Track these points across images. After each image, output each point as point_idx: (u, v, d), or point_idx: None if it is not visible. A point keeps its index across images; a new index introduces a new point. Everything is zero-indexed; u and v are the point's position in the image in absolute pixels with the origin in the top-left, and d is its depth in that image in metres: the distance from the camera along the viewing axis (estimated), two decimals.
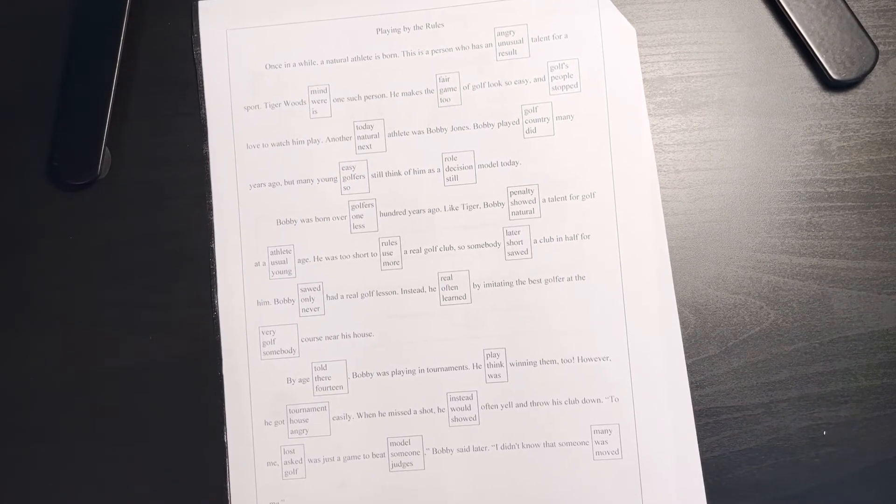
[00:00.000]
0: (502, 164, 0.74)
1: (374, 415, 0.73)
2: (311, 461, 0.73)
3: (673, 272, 0.72)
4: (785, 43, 0.74)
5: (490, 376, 0.73)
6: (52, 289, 0.76)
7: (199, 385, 0.74)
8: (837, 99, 0.73)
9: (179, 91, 0.77)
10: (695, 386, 0.71)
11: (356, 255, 0.74)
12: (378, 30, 0.75)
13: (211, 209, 0.75)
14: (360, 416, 0.73)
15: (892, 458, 0.71)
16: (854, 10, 0.72)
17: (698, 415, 0.71)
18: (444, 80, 0.75)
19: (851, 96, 0.73)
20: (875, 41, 0.72)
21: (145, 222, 0.76)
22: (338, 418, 0.73)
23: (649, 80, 0.74)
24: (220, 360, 0.74)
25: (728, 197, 0.73)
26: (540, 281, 0.73)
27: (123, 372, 0.75)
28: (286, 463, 0.73)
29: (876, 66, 0.72)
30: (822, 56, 0.72)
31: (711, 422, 0.71)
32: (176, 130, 0.77)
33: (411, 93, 0.75)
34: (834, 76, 0.72)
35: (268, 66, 0.76)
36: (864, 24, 0.72)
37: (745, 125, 0.74)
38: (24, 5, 0.79)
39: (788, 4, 0.72)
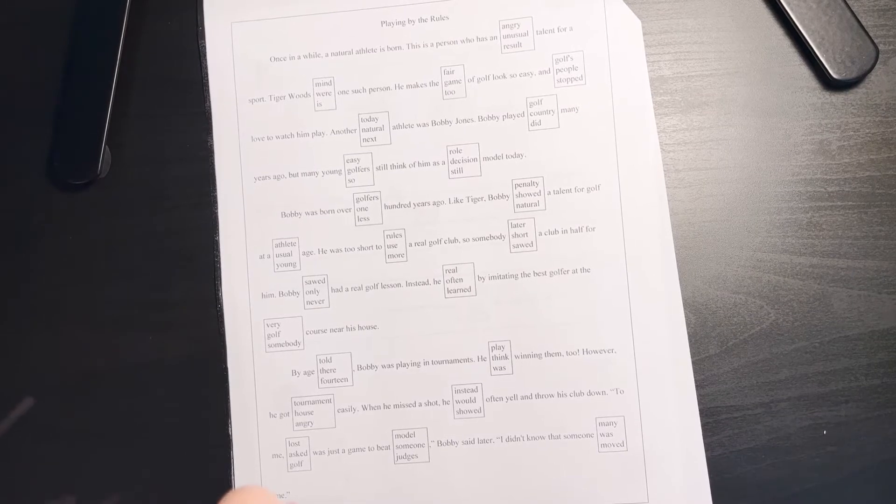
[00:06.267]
0: (507, 157, 0.74)
1: (378, 407, 0.73)
2: (315, 453, 0.73)
3: None
4: (785, 42, 0.74)
5: (495, 369, 0.72)
6: (52, 288, 0.76)
7: (201, 382, 0.74)
8: (837, 98, 0.73)
9: (180, 90, 0.77)
10: (695, 385, 0.71)
11: (361, 248, 0.74)
12: (383, 22, 0.75)
13: (216, 202, 0.75)
14: (364, 408, 0.73)
15: (892, 458, 0.71)
16: (854, 9, 0.72)
17: (699, 414, 0.71)
18: (448, 73, 0.75)
19: (851, 96, 0.73)
20: (875, 41, 0.72)
21: (145, 222, 0.76)
22: (343, 411, 0.73)
23: (650, 80, 0.74)
24: (223, 355, 0.74)
25: (728, 197, 0.73)
26: (545, 273, 0.73)
27: (124, 372, 0.75)
28: (291, 455, 0.73)
29: (876, 66, 0.72)
30: (822, 55, 0.72)
31: (711, 421, 0.71)
32: (176, 129, 0.77)
33: (416, 85, 0.75)
34: (834, 76, 0.72)
35: (272, 59, 0.76)
36: (864, 24, 0.72)
37: (745, 125, 0.74)
38: (24, 4, 0.78)
39: (788, 4, 0.73)
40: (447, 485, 0.72)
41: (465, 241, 0.73)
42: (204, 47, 0.77)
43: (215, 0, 0.77)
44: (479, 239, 0.73)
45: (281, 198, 0.75)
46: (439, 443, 0.72)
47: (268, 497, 0.49)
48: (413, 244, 0.74)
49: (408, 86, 0.75)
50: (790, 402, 0.71)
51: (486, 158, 0.74)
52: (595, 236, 0.72)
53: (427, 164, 0.74)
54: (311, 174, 0.75)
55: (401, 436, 0.73)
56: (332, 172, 0.75)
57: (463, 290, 0.73)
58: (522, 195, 0.73)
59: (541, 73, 0.74)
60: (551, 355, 0.72)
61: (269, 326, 0.74)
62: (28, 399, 0.75)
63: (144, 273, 0.75)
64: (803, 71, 0.74)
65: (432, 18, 0.75)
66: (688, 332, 0.71)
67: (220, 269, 0.75)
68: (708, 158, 0.74)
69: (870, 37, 0.72)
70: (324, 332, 0.74)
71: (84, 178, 0.75)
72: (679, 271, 0.72)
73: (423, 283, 0.73)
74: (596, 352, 0.72)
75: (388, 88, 0.75)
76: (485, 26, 0.75)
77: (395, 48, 0.75)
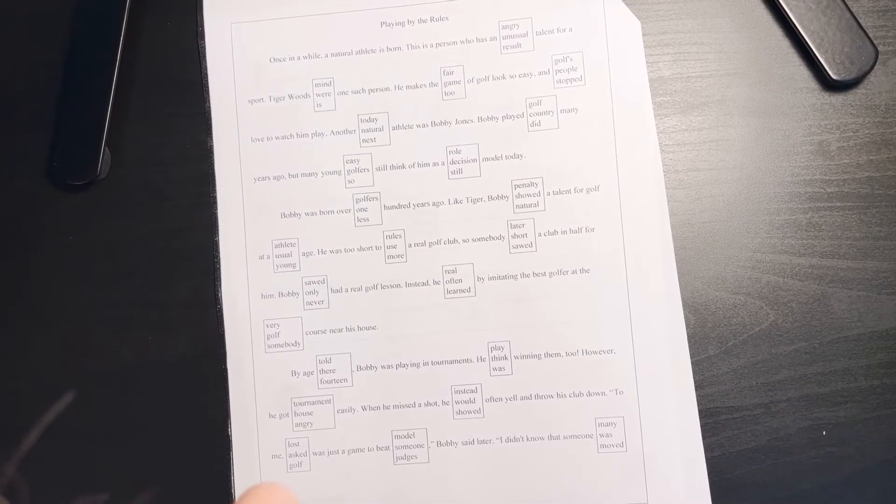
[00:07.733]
0: (507, 158, 0.74)
1: (378, 408, 0.73)
2: (315, 454, 0.73)
3: None
4: (785, 43, 0.74)
5: (494, 369, 0.72)
6: (52, 288, 0.76)
7: (201, 382, 0.74)
8: (837, 99, 0.73)
9: (180, 91, 0.77)
10: (695, 386, 0.71)
11: (360, 249, 0.74)
12: (382, 23, 0.75)
13: (215, 203, 0.75)
14: (364, 409, 0.73)
15: (892, 458, 0.71)
16: (854, 10, 0.72)
17: (698, 415, 0.71)
18: (448, 74, 0.75)
19: (851, 96, 0.73)
20: (875, 41, 0.72)
21: (145, 222, 0.76)
22: (342, 411, 0.73)
23: (649, 81, 0.74)
24: (223, 355, 0.74)
25: (728, 197, 0.73)
26: (544, 274, 0.73)
27: (124, 372, 0.75)
28: (291, 456, 0.73)
29: (875, 67, 0.72)
30: (821, 56, 0.72)
31: (711, 422, 0.71)
32: (176, 130, 0.77)
33: (416, 86, 0.75)
34: (833, 76, 0.72)
35: (272, 60, 0.76)
36: (863, 24, 0.72)
37: (745, 125, 0.74)
38: (24, 4, 0.78)
39: (788, 4, 0.73)
40: (447, 485, 0.72)
41: (464, 241, 0.73)
42: (204, 48, 0.77)
43: (215, 1, 0.77)
44: (479, 239, 0.73)
45: (280, 198, 0.75)
46: (439, 443, 0.72)
47: (288, 496, 0.49)
48: (413, 245, 0.74)
49: (407, 86, 0.75)
50: (790, 403, 0.71)
51: (486, 159, 0.74)
52: (594, 237, 0.72)
53: (426, 164, 0.74)
54: (310, 175, 0.75)
55: (400, 436, 0.73)
56: (332, 173, 0.75)
57: (462, 291, 0.73)
58: (522, 196, 0.73)
59: (540, 73, 0.74)
60: (551, 356, 0.72)
61: (268, 327, 0.74)
62: (69, 393, 0.75)
63: (144, 273, 0.75)
64: (802, 72, 0.74)
65: (432, 19, 0.75)
66: (687, 333, 0.71)
67: (219, 269, 0.75)
68: (707, 159, 0.73)
69: (869, 38, 0.72)
70: (323, 332, 0.74)
71: (84, 179, 0.75)
72: (678, 272, 0.72)
73: (423, 284, 0.73)
74: (595, 352, 0.72)
75: (387, 89, 0.75)
76: (484, 27, 0.75)
77: (395, 49, 0.75)
